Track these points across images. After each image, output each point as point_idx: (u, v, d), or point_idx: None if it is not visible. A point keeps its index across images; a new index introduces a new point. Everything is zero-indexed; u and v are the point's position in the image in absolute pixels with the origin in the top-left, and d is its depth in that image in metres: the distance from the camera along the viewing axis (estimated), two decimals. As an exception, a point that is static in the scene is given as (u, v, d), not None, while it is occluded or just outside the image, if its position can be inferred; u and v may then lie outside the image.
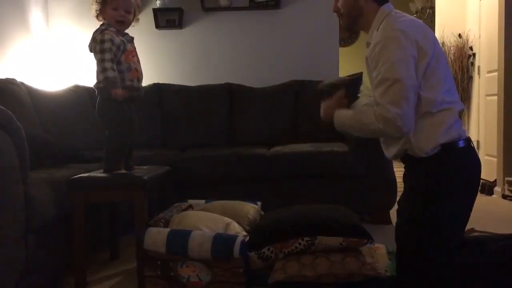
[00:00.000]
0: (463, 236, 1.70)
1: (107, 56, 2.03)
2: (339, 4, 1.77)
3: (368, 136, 1.82)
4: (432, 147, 1.60)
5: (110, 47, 2.04)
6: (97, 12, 2.14)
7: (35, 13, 3.70)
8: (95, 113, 2.16)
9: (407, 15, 1.71)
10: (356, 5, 1.73)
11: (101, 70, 2.03)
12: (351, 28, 1.81)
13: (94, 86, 2.12)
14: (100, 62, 2.04)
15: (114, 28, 2.11)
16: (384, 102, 1.57)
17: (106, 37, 2.05)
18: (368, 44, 1.75)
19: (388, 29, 1.62)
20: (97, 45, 2.05)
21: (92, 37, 2.11)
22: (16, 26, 3.44)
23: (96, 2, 2.14)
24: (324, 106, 1.86)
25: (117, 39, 2.08)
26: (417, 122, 1.61)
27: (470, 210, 1.65)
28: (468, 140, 1.66)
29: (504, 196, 3.72)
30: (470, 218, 1.66)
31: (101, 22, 2.14)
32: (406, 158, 1.71)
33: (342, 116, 1.75)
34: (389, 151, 1.75)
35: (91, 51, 2.13)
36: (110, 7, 2.11)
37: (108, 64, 2.03)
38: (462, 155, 1.63)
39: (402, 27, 1.60)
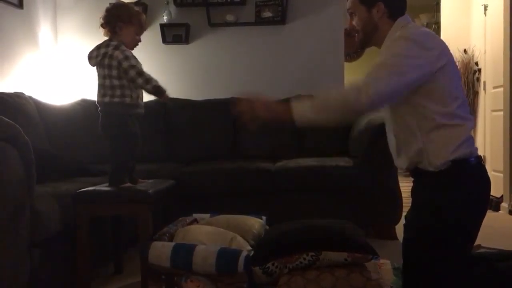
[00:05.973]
0: (470, 253, 1.68)
1: (140, 66, 2.10)
2: (354, 22, 1.76)
3: (331, 117, 1.64)
4: (443, 162, 1.58)
5: (137, 62, 2.11)
6: (116, 28, 2.14)
7: (43, 28, 3.75)
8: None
9: (425, 28, 1.71)
10: (371, 21, 1.72)
11: (145, 82, 2.08)
12: (366, 44, 1.78)
13: (97, 101, 2.14)
14: (140, 75, 2.08)
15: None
16: (369, 76, 1.55)
17: (128, 53, 2.11)
18: None
19: (404, 33, 1.62)
20: (124, 61, 2.07)
21: (102, 52, 2.11)
22: (25, 40, 3.48)
23: (119, 19, 2.13)
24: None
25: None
26: (430, 134, 1.59)
27: (479, 227, 1.63)
28: (479, 158, 1.64)
29: (511, 212, 3.68)
30: (477, 234, 1.65)
31: (107, 37, 2.16)
32: (415, 172, 1.69)
33: (301, 105, 1.62)
34: (400, 160, 1.73)
35: (95, 66, 2.15)
36: (133, 30, 2.16)
37: (147, 75, 2.10)
38: (473, 172, 1.61)
39: (419, 35, 1.60)
